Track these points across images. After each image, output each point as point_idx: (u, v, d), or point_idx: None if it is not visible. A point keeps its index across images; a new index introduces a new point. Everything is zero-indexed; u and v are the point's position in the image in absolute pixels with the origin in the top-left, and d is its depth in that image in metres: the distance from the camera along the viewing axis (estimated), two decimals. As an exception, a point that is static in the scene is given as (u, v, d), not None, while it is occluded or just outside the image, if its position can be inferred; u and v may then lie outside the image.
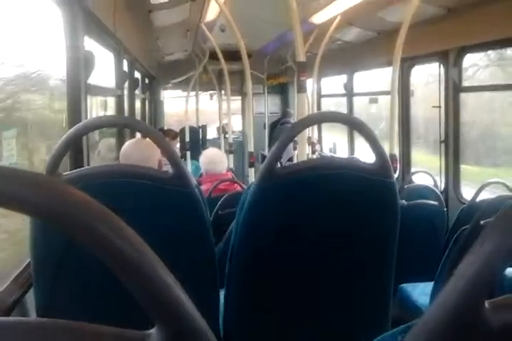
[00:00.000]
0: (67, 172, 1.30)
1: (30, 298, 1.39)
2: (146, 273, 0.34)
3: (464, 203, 3.16)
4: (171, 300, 0.34)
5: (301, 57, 2.55)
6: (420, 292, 2.38)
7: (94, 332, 0.34)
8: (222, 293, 1.48)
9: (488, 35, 3.03)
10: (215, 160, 3.44)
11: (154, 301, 0.34)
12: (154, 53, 5.90)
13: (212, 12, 4.43)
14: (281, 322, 1.42)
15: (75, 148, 2.04)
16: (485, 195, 2.68)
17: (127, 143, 1.96)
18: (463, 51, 3.41)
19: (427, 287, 2.27)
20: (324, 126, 6.69)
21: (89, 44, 2.43)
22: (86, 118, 2.22)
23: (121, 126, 2.81)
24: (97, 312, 1.21)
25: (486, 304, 0.36)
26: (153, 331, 0.35)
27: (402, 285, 2.50)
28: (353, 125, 1.44)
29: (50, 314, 1.24)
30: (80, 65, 2.14)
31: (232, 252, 1.36)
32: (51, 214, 0.33)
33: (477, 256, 0.36)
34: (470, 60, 3.49)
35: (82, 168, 1.38)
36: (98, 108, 3.53)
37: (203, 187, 3.26)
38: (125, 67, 3.72)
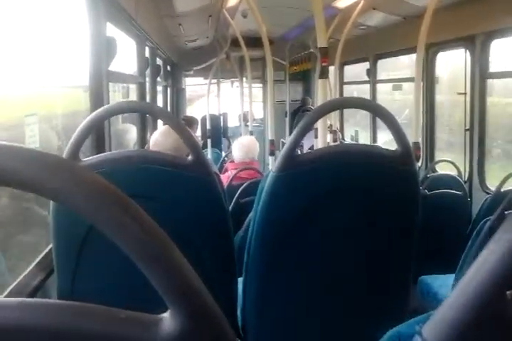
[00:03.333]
0: (87, 158, 1.31)
1: (52, 283, 1.42)
2: (163, 260, 0.34)
3: (489, 193, 3.10)
4: (185, 285, 0.34)
5: (323, 43, 2.51)
6: (441, 284, 2.35)
7: (109, 314, 0.35)
8: (240, 282, 1.48)
9: None
10: (246, 146, 3.44)
11: (169, 286, 0.34)
12: (176, 40, 5.88)
13: (234, -3, 4.39)
14: (299, 312, 1.42)
15: (97, 134, 2.06)
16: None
17: (160, 131, 1.90)
18: (490, 36, 3.31)
19: (448, 279, 2.24)
20: (346, 114, 6.62)
21: (111, 30, 2.43)
22: (108, 104, 2.23)
23: (142, 112, 2.82)
24: (117, 295, 1.23)
25: (508, 295, 0.35)
26: (166, 315, 0.35)
27: (422, 276, 2.47)
28: (375, 111, 1.41)
29: (71, 299, 1.26)
30: (101, 51, 2.14)
31: (250, 241, 1.36)
32: (70, 200, 0.33)
33: (499, 245, 0.35)
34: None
35: (102, 154, 1.39)
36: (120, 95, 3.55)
37: (228, 174, 3.27)
38: (147, 54, 3.73)
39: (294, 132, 1.31)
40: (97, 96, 2.13)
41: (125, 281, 1.15)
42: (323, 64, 2.51)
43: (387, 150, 1.38)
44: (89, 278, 1.29)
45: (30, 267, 1.49)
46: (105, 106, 1.36)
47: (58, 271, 1.31)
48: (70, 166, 0.34)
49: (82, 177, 0.33)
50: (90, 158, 1.32)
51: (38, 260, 1.55)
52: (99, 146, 2.08)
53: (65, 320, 0.34)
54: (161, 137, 1.85)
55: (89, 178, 0.33)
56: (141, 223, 0.34)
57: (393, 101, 5.48)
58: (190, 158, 1.34)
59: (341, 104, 1.70)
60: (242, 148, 3.44)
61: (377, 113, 1.36)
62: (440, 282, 2.38)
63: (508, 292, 0.36)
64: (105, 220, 0.33)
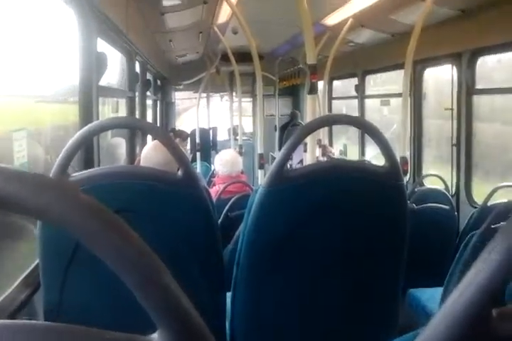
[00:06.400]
0: (76, 173, 1.31)
1: (39, 299, 1.40)
2: (150, 279, 0.34)
3: (475, 207, 3.13)
4: (173, 305, 0.34)
5: (312, 60, 2.54)
6: (429, 297, 2.35)
7: (100, 336, 0.34)
8: (229, 296, 1.48)
9: (502, 37, 3.00)
10: (230, 161, 3.44)
11: (157, 306, 0.34)
12: (166, 54, 5.92)
13: (224, 14, 4.44)
14: (288, 326, 1.41)
15: (86, 149, 2.05)
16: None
17: (149, 146, 1.90)
18: (476, 53, 3.38)
19: (436, 292, 2.24)
20: (336, 128, 6.66)
21: (102, 45, 2.44)
22: (98, 119, 2.23)
23: (132, 128, 2.82)
24: (105, 312, 1.21)
25: (494, 313, 0.36)
26: (155, 335, 0.35)
27: (410, 289, 2.47)
28: (362, 127, 1.43)
29: (57, 315, 1.25)
30: (92, 66, 2.15)
31: (240, 255, 1.35)
32: (56, 219, 0.33)
33: (486, 263, 0.35)
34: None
35: (92, 169, 1.39)
36: (110, 108, 3.55)
37: (216, 188, 3.27)
38: (137, 69, 3.74)
39: (284, 148, 1.32)
40: (87, 110, 2.13)
41: (113, 298, 1.15)
42: (313, 80, 2.54)
43: (375, 165, 1.40)
44: (77, 294, 1.28)
45: (16, 283, 1.47)
46: (95, 122, 1.36)
47: (45, 287, 1.30)
48: (54, 184, 0.34)
49: (66, 195, 0.33)
50: (79, 173, 1.31)
51: (24, 276, 1.53)
52: (88, 161, 2.08)
53: None
54: (150, 152, 1.84)
55: (73, 196, 0.33)
56: (126, 240, 0.34)
57: (381, 116, 5.54)
58: (179, 173, 1.34)
59: (330, 121, 1.73)
60: (225, 163, 3.43)
61: (365, 129, 1.38)
62: (428, 295, 2.38)
63: (493, 310, 0.36)
64: (90, 237, 0.33)
